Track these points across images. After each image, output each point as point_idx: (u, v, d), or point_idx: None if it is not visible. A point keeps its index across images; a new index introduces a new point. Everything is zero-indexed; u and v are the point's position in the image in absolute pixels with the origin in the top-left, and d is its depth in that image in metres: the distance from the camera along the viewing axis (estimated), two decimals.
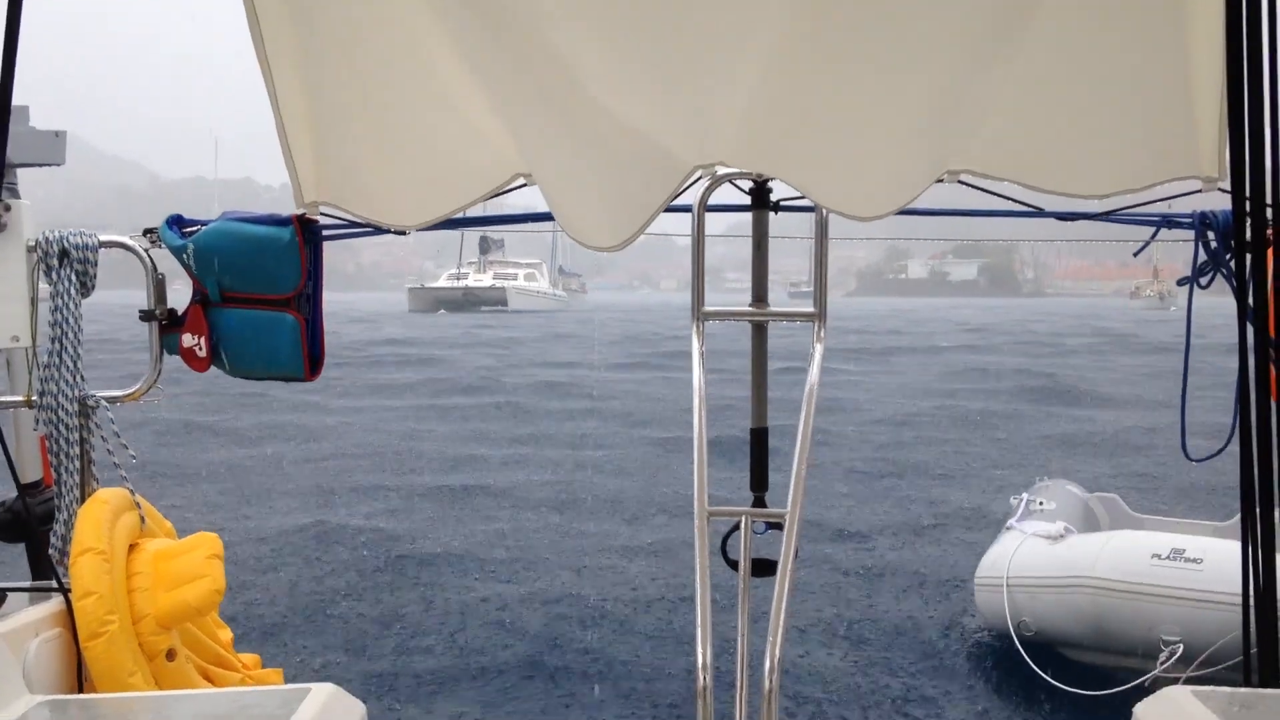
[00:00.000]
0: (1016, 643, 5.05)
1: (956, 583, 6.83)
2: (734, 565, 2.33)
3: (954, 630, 6.14)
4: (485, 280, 66.35)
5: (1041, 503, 5.63)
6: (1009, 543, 5.42)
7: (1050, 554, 5.15)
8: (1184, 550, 4.69)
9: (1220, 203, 2.46)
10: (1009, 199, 2.66)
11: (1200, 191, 2.36)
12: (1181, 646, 4.47)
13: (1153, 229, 2.77)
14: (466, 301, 61.52)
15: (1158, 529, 5.43)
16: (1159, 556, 4.71)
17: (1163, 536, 4.93)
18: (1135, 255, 3.05)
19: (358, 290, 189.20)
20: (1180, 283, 2.69)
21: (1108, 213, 2.71)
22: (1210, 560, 4.58)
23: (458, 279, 66.38)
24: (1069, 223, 2.85)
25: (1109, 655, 4.92)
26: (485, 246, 69.42)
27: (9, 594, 2.36)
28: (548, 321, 48.07)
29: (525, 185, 2.53)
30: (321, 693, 1.97)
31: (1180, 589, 4.58)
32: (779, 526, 2.25)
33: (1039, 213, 2.73)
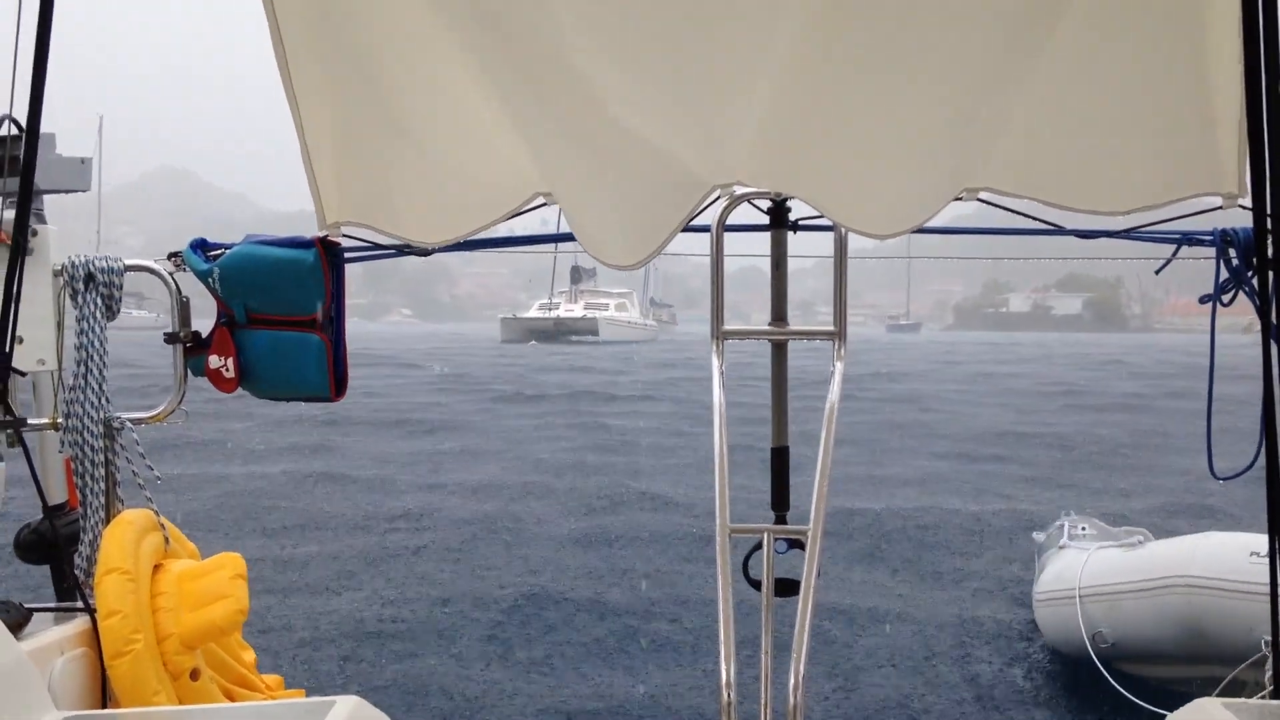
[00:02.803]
0: (1093, 657, 4.83)
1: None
2: (756, 585, 2.32)
3: (1010, 649, 5.99)
4: (576, 310, 66.85)
5: (1084, 527, 5.45)
6: (1072, 557, 5.19)
7: (1131, 559, 4.92)
8: None
9: (1241, 219, 2.40)
10: (1029, 217, 2.63)
11: (1221, 208, 2.30)
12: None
13: (1173, 246, 2.73)
14: (558, 332, 62.03)
15: None
16: (1258, 554, 4.45)
17: (1255, 536, 4.67)
18: (1157, 273, 2.99)
19: (454, 321, 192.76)
20: (1202, 300, 2.65)
21: (1127, 230, 2.67)
22: None
23: (549, 309, 67.06)
24: (1088, 240, 2.81)
25: (1196, 664, 4.63)
26: (577, 276, 70.03)
27: (35, 614, 2.41)
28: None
29: (545, 205, 2.55)
30: (346, 705, 1.97)
31: None
32: (800, 546, 2.26)
33: (1059, 230, 2.70)
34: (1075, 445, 15.12)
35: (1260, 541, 4.54)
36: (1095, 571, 4.99)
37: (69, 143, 2.83)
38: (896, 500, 10.58)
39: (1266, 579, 4.37)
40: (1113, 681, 4.71)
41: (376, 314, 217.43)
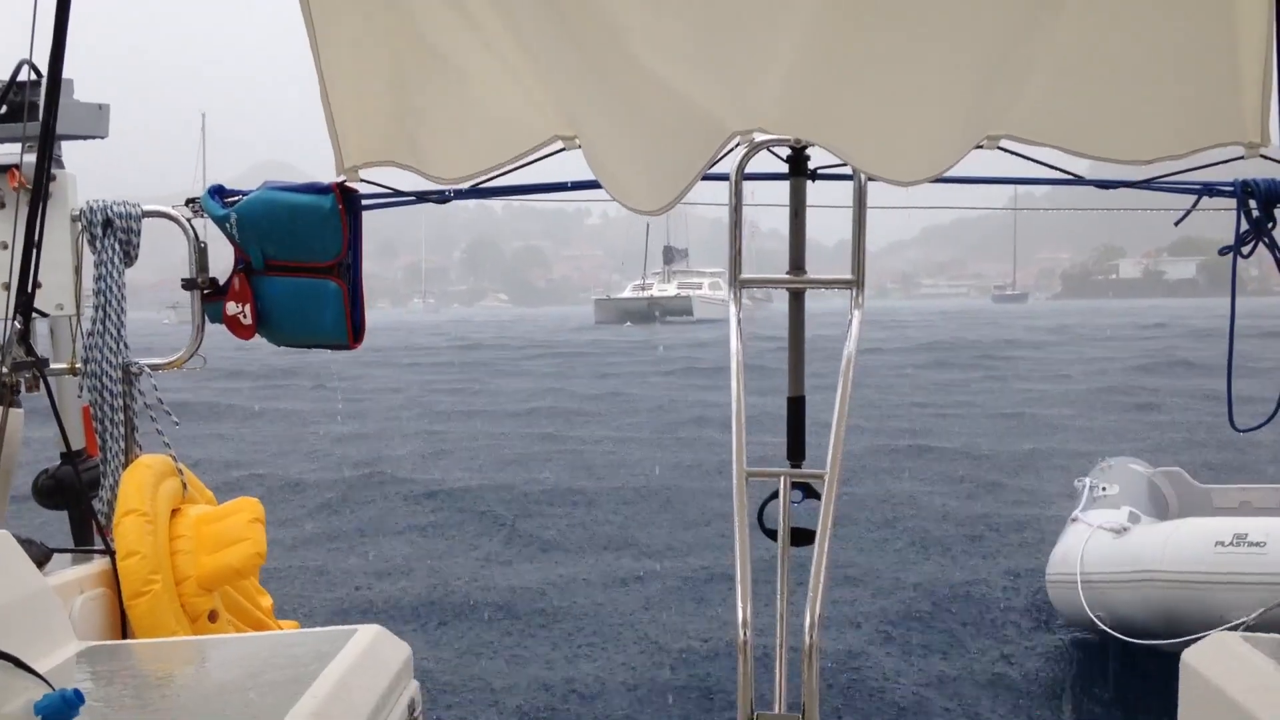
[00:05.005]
0: (1108, 629, 4.98)
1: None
2: (771, 535, 2.29)
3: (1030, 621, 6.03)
4: (670, 290, 66.70)
5: (1104, 488, 5.52)
6: (1076, 536, 5.38)
7: (1117, 548, 5.12)
8: (1246, 535, 4.68)
9: (1262, 170, 2.36)
10: (1050, 166, 2.58)
11: (1243, 158, 2.24)
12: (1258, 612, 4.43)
13: (1194, 197, 2.69)
14: (652, 312, 62.00)
15: (1225, 499, 5.45)
16: (1222, 544, 4.69)
17: (1225, 522, 4.90)
18: (1176, 224, 2.90)
19: (549, 304, 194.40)
20: (1221, 252, 2.64)
21: (1147, 180, 2.63)
22: (1274, 542, 4.58)
23: (643, 289, 67.07)
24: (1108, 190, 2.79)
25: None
26: (670, 256, 69.84)
27: (55, 554, 2.46)
28: None
29: (565, 149, 2.52)
30: (367, 634, 1.99)
31: (1245, 574, 4.57)
32: (816, 495, 2.25)
33: (1078, 180, 2.68)
34: None
35: (1227, 527, 4.76)
36: (1091, 558, 5.20)
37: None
38: None
39: (1230, 568, 4.53)
40: (1121, 636, 4.92)
41: (473, 299, 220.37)
